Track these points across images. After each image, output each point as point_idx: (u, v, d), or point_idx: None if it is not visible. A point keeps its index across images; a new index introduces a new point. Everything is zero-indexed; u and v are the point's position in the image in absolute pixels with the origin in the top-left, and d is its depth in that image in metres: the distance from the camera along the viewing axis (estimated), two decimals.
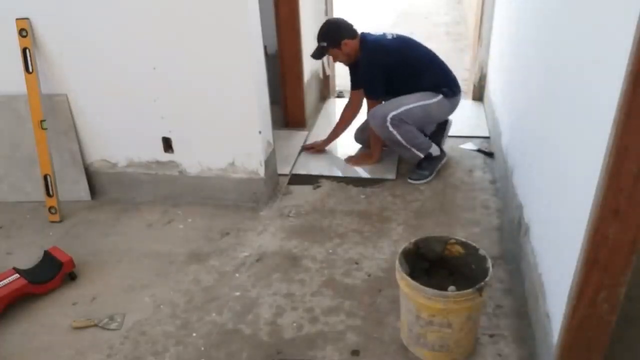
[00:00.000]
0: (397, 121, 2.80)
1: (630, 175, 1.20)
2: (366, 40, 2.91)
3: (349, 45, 2.88)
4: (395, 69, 2.86)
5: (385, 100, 2.92)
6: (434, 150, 2.94)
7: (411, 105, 2.82)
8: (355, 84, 3.07)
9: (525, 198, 2.17)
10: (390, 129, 2.81)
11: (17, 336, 2.01)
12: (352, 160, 3.14)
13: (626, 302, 1.39)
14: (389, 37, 2.95)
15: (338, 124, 3.20)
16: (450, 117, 3.13)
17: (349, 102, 3.15)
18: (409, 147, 2.86)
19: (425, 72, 2.92)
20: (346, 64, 3.04)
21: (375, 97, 2.94)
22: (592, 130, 1.36)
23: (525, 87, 2.41)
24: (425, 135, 2.98)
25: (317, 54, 2.97)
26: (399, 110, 2.80)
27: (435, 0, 7.03)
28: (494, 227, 2.49)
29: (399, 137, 2.83)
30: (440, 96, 2.87)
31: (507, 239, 2.38)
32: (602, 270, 1.33)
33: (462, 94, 4.09)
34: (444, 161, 3.00)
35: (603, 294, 1.36)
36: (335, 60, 3.08)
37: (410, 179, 2.91)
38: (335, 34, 2.88)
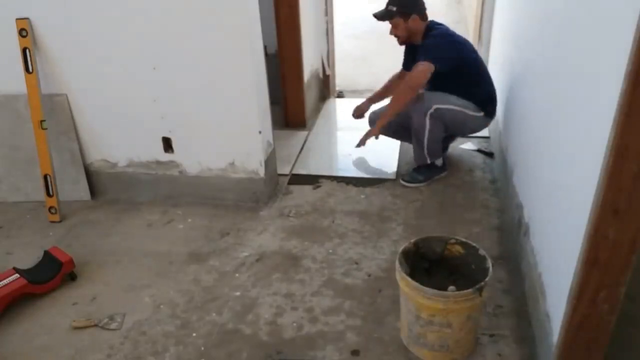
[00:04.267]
0: (438, 115, 2.70)
1: (630, 175, 1.20)
2: (435, 27, 2.78)
3: (417, 22, 2.75)
4: (458, 65, 2.70)
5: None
6: (439, 161, 2.91)
7: (457, 108, 2.73)
8: (408, 63, 2.89)
9: (525, 198, 2.17)
10: (427, 118, 2.70)
11: (17, 336, 2.01)
12: (361, 143, 2.92)
13: (626, 302, 1.39)
14: (461, 38, 2.83)
15: (394, 106, 2.80)
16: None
17: (404, 82, 2.75)
18: (425, 145, 2.79)
19: (480, 82, 2.83)
20: (401, 41, 2.85)
21: (430, 60, 2.62)
22: (592, 130, 1.36)
23: (525, 87, 2.42)
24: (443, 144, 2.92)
25: (382, 15, 2.77)
26: (444, 106, 2.70)
27: (435, 0, 7.04)
28: (494, 227, 2.49)
29: (427, 130, 2.73)
30: (482, 113, 2.80)
31: (507, 239, 2.38)
32: (602, 270, 1.33)
33: None
34: (442, 174, 2.94)
35: (603, 294, 1.36)
36: (393, 31, 2.80)
37: (403, 180, 2.89)
38: (410, 4, 2.74)
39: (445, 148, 3.03)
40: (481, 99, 2.80)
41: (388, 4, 2.76)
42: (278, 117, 3.42)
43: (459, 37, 2.83)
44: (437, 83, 2.75)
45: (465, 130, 2.99)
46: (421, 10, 2.79)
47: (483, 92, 2.83)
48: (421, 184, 2.87)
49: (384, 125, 2.84)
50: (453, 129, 2.88)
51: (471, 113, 2.78)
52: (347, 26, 5.37)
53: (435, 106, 2.70)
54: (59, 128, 2.71)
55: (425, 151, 2.82)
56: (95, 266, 2.36)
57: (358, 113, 3.18)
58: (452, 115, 2.75)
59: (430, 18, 2.85)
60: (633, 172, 1.19)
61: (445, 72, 2.67)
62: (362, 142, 2.91)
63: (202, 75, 2.51)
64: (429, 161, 2.86)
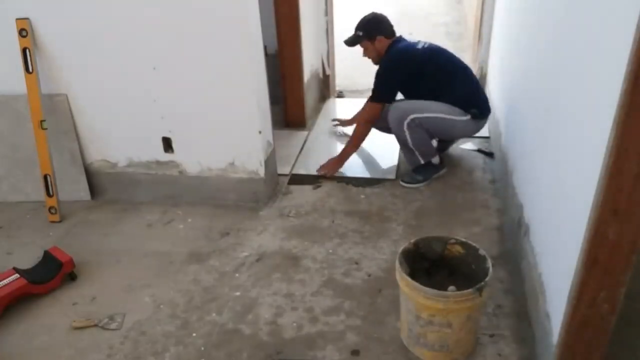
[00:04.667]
0: (415, 125, 2.73)
1: (630, 175, 1.20)
2: (395, 44, 2.87)
3: (382, 43, 2.85)
4: (421, 78, 2.80)
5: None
6: (436, 159, 2.91)
7: (436, 115, 2.74)
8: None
9: (525, 198, 2.17)
10: (405, 128, 2.74)
11: (17, 336, 2.02)
12: (322, 169, 3.00)
13: (626, 302, 1.39)
14: (420, 46, 2.85)
15: (353, 145, 3.00)
16: None
17: (363, 114, 2.97)
18: (413, 150, 2.83)
19: (456, 85, 2.82)
20: (375, 61, 2.96)
21: (377, 101, 2.85)
22: (592, 130, 1.36)
23: (525, 87, 2.42)
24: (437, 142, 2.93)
25: (351, 41, 2.92)
26: (421, 115, 2.72)
27: (435, 0, 7.05)
28: (494, 227, 2.49)
29: (408, 138, 2.77)
30: (468, 117, 2.78)
31: (507, 239, 2.38)
32: (602, 270, 1.33)
33: None
34: (441, 172, 2.94)
35: (603, 294, 1.36)
36: (365, 54, 2.98)
37: (403, 181, 2.89)
38: (373, 27, 2.85)
39: (442, 149, 3.03)
40: (461, 101, 2.78)
41: (355, 29, 2.88)
42: (278, 117, 3.42)
43: (406, 56, 2.83)
44: (411, 94, 2.88)
45: (455, 134, 2.97)
46: (386, 31, 2.88)
47: (458, 95, 2.79)
48: (421, 184, 2.86)
49: (341, 164, 2.99)
50: (440, 135, 2.87)
51: (456, 118, 2.77)
52: (348, 26, 5.38)
53: (411, 116, 2.73)
54: (59, 128, 2.71)
55: (416, 154, 2.85)
56: (95, 266, 2.36)
57: (341, 123, 3.45)
58: (433, 123, 2.76)
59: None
60: (633, 173, 1.19)
61: (409, 85, 2.81)
62: (322, 170, 2.99)
63: (202, 75, 2.51)
64: (422, 161, 2.86)
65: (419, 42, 2.90)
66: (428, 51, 2.85)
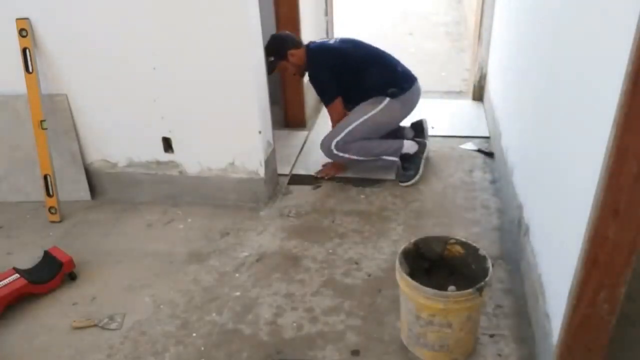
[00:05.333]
0: (342, 144, 2.84)
1: (630, 175, 1.20)
2: (310, 48, 2.93)
3: (295, 55, 2.88)
4: (340, 70, 2.85)
5: (346, 107, 2.92)
6: (408, 148, 2.93)
7: (353, 125, 2.83)
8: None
9: (525, 198, 2.17)
10: (339, 153, 2.86)
11: (17, 336, 2.02)
12: (323, 172, 3.01)
13: (626, 302, 1.39)
14: (332, 41, 2.98)
15: None
16: (424, 117, 3.16)
17: (332, 117, 2.97)
18: (374, 158, 2.89)
19: (369, 70, 2.88)
20: (300, 75, 3.05)
21: (331, 101, 2.88)
22: (592, 130, 1.36)
23: (525, 87, 2.42)
24: (398, 136, 2.99)
25: (269, 70, 2.84)
26: (341, 135, 2.83)
27: (435, 0, 7.05)
28: (494, 227, 2.49)
29: (354, 156, 2.87)
30: (387, 100, 2.84)
31: (507, 239, 2.38)
32: (602, 270, 1.33)
33: (460, 93, 4.10)
34: (425, 154, 2.95)
35: (603, 294, 1.36)
36: (288, 73, 3.04)
37: (400, 182, 2.89)
38: (280, 47, 2.87)
39: (401, 135, 3.06)
40: (377, 85, 2.86)
41: (266, 58, 2.81)
42: (278, 117, 3.42)
43: (324, 52, 2.91)
44: (343, 87, 2.89)
45: (387, 122, 2.94)
46: (292, 43, 2.91)
47: (374, 79, 2.87)
48: (418, 176, 2.87)
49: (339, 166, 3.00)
50: (376, 133, 2.91)
51: (373, 111, 2.85)
52: (348, 26, 5.39)
53: (333, 142, 2.84)
54: (59, 128, 2.71)
55: (383, 158, 2.90)
56: (95, 266, 2.36)
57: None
58: (356, 133, 2.84)
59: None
60: (633, 173, 1.19)
61: (338, 79, 2.86)
62: (321, 173, 3.00)
63: (202, 76, 2.50)
64: (396, 159, 2.89)
65: (330, 39, 3.01)
66: (340, 44, 2.95)
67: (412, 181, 2.86)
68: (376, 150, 2.88)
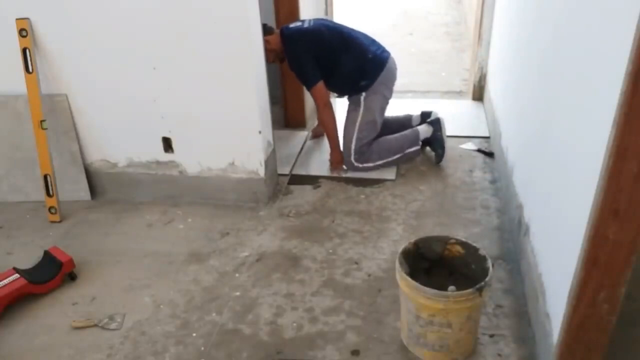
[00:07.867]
0: (360, 157, 2.91)
1: (630, 175, 1.20)
2: (284, 33, 2.90)
3: (270, 41, 2.83)
4: (318, 54, 2.85)
5: (329, 89, 2.94)
6: (425, 132, 3.00)
7: (355, 136, 2.91)
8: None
9: (525, 198, 2.17)
10: (363, 165, 2.94)
11: (17, 336, 2.02)
12: (335, 170, 3.04)
13: (626, 302, 1.39)
14: (306, 24, 2.93)
15: (331, 131, 3.03)
16: (436, 110, 3.20)
17: (316, 101, 2.97)
18: (399, 156, 2.96)
19: (341, 61, 2.88)
20: (279, 61, 3.00)
21: (313, 84, 2.86)
22: (592, 130, 1.36)
23: (525, 87, 2.42)
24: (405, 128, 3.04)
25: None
26: (352, 149, 2.91)
27: (435, 0, 7.05)
28: (494, 227, 2.49)
29: (379, 162, 2.95)
30: (362, 96, 2.90)
31: (507, 239, 2.39)
32: (602, 270, 1.33)
33: (460, 93, 4.10)
34: (443, 129, 3.01)
35: (603, 294, 1.36)
36: (268, 61, 2.88)
37: (437, 163, 3.01)
38: None
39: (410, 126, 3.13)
40: (350, 80, 2.90)
41: None
42: (278, 117, 3.42)
43: (300, 35, 2.88)
44: (322, 70, 2.87)
45: (383, 105, 2.99)
46: (264, 30, 2.76)
47: (347, 73, 2.89)
48: (445, 150, 2.98)
49: (339, 149, 3.02)
50: (380, 123, 2.97)
51: (361, 109, 2.91)
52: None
53: (351, 157, 2.93)
54: (59, 128, 2.71)
55: (405, 152, 2.97)
56: (95, 266, 2.37)
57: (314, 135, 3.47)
58: (364, 137, 2.91)
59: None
60: (633, 173, 1.19)
61: (317, 62, 2.85)
62: (335, 172, 3.03)
63: (202, 75, 2.51)
64: (418, 147, 2.99)
65: (304, 21, 2.98)
66: (314, 26, 2.92)
67: (444, 157, 2.99)
68: (395, 147, 2.93)
